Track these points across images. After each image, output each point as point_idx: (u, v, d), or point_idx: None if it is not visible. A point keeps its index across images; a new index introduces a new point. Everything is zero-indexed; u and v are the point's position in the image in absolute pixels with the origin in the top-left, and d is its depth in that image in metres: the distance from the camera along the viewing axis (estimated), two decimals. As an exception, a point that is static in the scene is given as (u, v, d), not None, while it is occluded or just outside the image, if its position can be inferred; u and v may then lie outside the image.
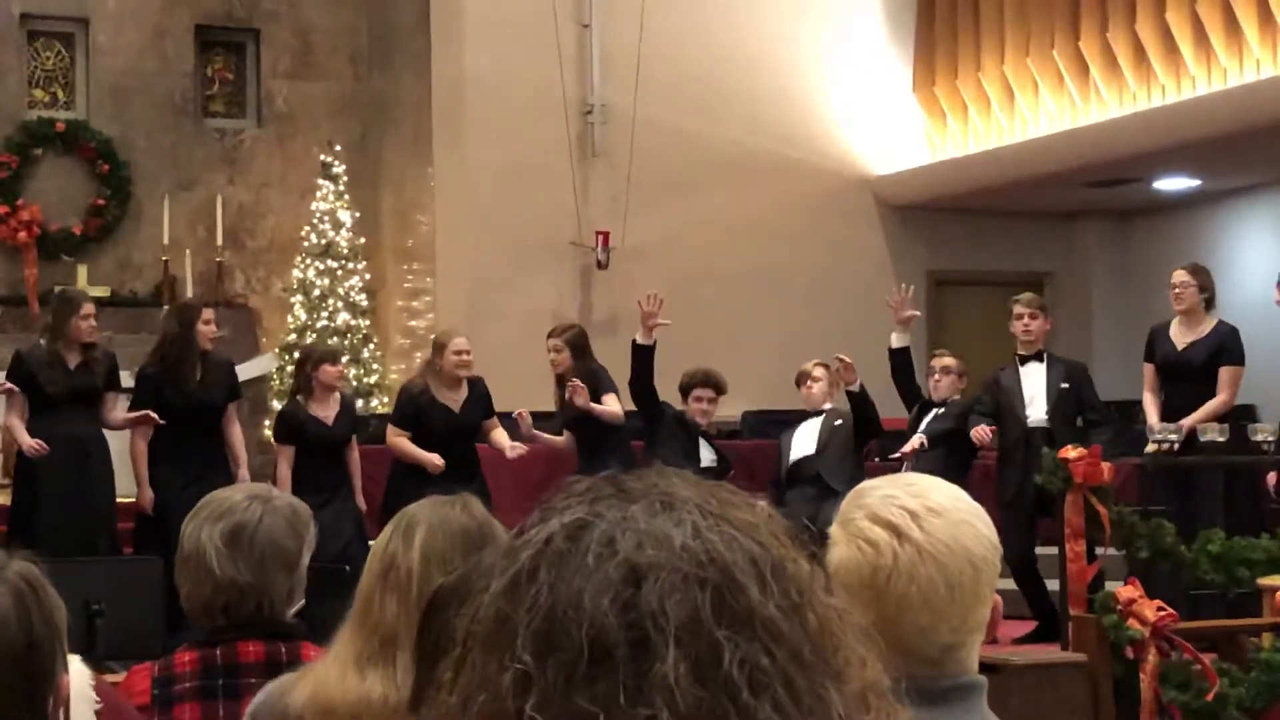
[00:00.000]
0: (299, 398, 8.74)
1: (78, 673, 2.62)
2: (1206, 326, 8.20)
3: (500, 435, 8.71)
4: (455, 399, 8.61)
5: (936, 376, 9.14)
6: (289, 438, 8.64)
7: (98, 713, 2.69)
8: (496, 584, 1.01)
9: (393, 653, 2.49)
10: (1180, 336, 8.24)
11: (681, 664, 0.94)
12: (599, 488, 1.04)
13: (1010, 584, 8.19)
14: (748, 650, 0.96)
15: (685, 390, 9.05)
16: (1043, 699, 5.23)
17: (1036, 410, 8.40)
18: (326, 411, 8.69)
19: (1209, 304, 8.24)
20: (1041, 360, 8.53)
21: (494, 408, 8.77)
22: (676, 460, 8.07)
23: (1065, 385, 8.45)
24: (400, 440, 8.58)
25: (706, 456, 8.90)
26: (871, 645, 1.05)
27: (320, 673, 2.59)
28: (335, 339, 11.77)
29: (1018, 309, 8.57)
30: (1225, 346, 8.13)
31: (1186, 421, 7.58)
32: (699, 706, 0.94)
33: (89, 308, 8.52)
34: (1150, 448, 7.23)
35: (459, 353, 8.57)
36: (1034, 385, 8.45)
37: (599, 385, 8.79)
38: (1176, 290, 8.25)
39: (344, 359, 9.90)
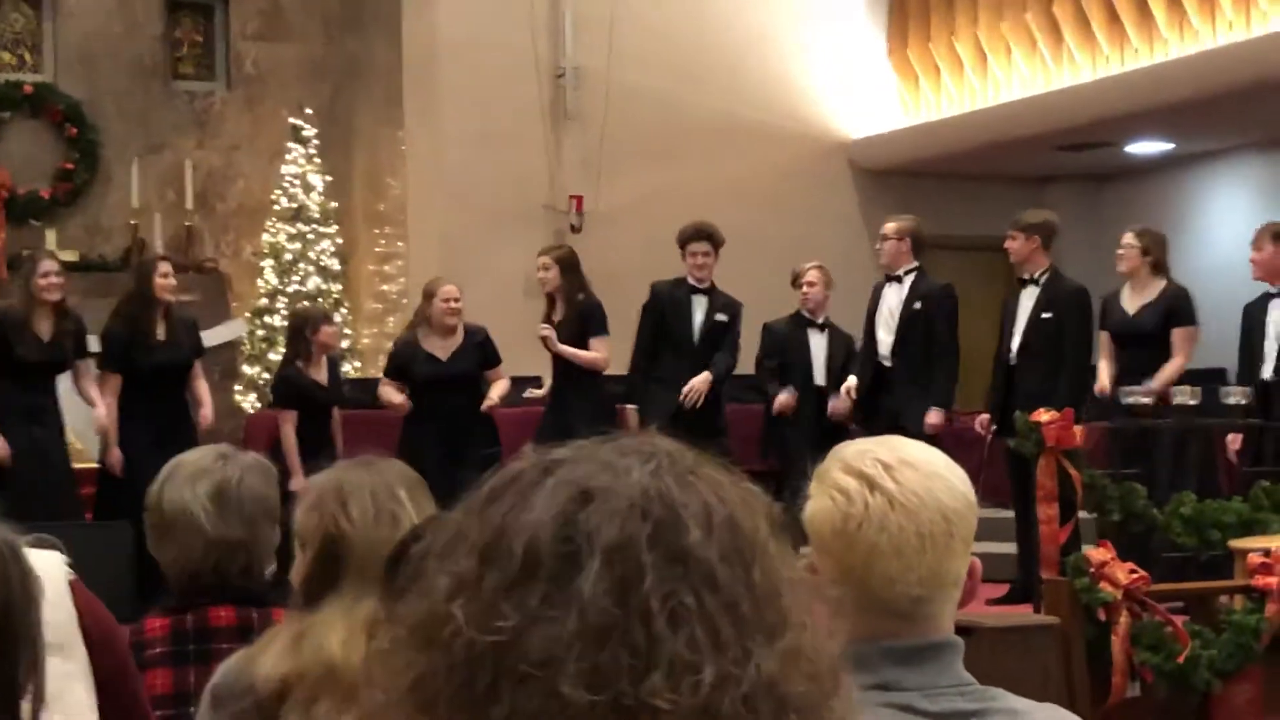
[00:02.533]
0: (298, 362, 8.68)
1: (56, 565, 2.59)
2: (1155, 290, 8.16)
3: (496, 387, 8.63)
4: (445, 347, 8.53)
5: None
6: (293, 402, 8.59)
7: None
8: (460, 510, 1.04)
9: None
10: (1130, 302, 8.22)
11: (602, 582, 0.96)
12: (586, 441, 1.07)
13: (989, 547, 8.18)
14: (674, 586, 0.97)
15: (681, 245, 8.94)
16: (1015, 661, 5.24)
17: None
18: (320, 374, 8.68)
19: (1156, 268, 8.17)
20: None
21: (498, 356, 8.69)
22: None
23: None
24: (382, 387, 8.59)
25: None
26: (823, 612, 1.06)
27: (317, 634, 2.52)
28: (306, 303, 11.69)
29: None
30: (1174, 309, 8.09)
31: (1155, 385, 7.56)
32: (610, 624, 0.95)
33: (48, 264, 8.48)
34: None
35: (448, 300, 8.51)
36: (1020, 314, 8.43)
37: (588, 326, 8.68)
38: (1120, 252, 8.23)
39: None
